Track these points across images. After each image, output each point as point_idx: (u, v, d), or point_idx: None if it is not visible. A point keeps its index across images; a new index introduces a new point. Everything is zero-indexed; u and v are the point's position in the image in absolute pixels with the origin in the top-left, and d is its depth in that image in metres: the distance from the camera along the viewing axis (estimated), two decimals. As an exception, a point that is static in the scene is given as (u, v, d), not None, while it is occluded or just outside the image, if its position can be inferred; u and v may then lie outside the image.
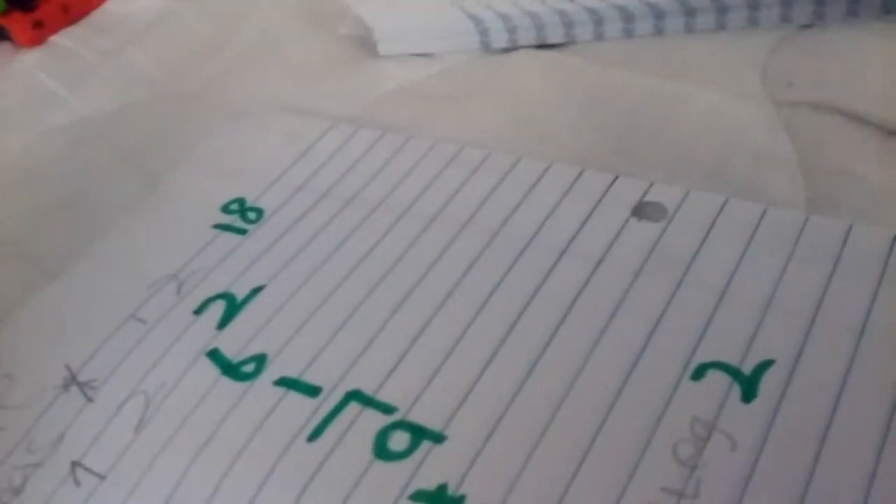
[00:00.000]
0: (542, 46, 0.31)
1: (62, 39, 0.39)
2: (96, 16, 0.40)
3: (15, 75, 0.37)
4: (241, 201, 0.27)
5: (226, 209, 0.27)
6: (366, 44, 0.33)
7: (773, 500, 0.17)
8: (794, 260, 0.21)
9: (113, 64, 0.36)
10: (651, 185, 0.24)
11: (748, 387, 0.19)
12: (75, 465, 0.21)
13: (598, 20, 0.30)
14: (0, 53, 0.39)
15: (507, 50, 0.32)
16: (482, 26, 0.32)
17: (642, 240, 0.23)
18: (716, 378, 0.19)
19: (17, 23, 0.39)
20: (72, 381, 0.23)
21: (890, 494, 0.17)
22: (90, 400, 0.22)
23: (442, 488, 0.18)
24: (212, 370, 0.22)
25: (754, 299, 0.21)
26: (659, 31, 0.30)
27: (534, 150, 0.27)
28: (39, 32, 0.39)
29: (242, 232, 0.26)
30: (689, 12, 0.30)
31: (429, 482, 0.18)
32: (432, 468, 0.19)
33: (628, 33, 0.31)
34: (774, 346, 0.20)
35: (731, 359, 0.19)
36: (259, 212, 0.27)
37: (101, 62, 0.36)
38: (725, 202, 0.23)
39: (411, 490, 0.18)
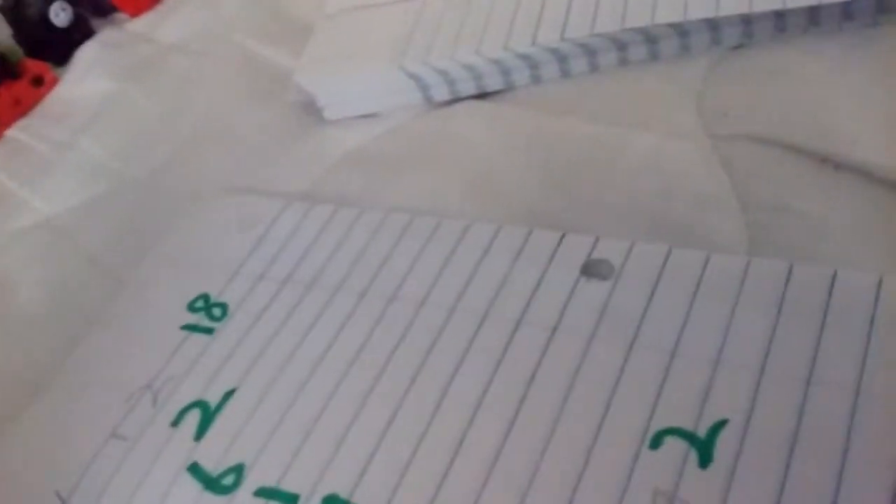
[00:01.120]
0: (483, 95, 0.32)
1: (16, 133, 0.39)
2: (46, 105, 0.40)
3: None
4: (205, 298, 0.28)
5: (191, 307, 0.28)
6: (312, 109, 0.33)
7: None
8: (739, 307, 0.22)
9: (68, 157, 0.36)
10: (597, 240, 0.25)
11: (704, 451, 0.20)
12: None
13: (533, 65, 0.31)
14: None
15: (449, 102, 0.32)
16: (423, 82, 0.32)
17: (592, 301, 0.23)
18: (673, 444, 0.20)
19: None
20: (62, 508, 0.23)
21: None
22: (83, 525, 0.23)
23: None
24: (194, 486, 0.23)
25: (704, 355, 0.21)
26: (594, 69, 0.31)
27: (483, 208, 0.28)
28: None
29: (209, 331, 0.27)
30: (621, 47, 0.30)
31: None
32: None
33: (564, 73, 0.31)
34: (726, 404, 0.20)
35: (685, 423, 0.20)
36: (223, 307, 0.27)
37: (56, 155, 0.37)
38: (669, 253, 0.24)
39: None
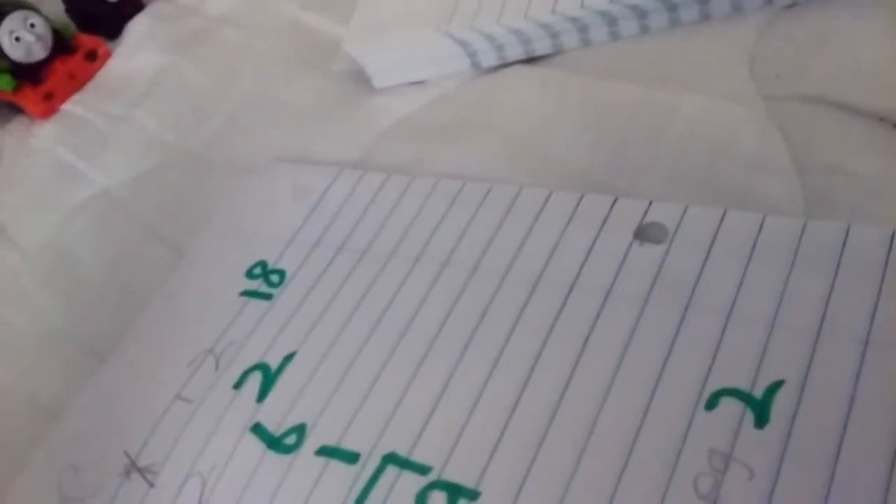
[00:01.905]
0: (531, 60, 0.32)
1: (72, 107, 0.40)
2: (100, 79, 0.41)
3: (35, 151, 0.39)
4: (263, 264, 0.28)
5: (250, 274, 0.28)
6: (361, 78, 0.34)
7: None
8: (795, 270, 0.22)
9: (123, 129, 0.37)
10: (650, 204, 0.25)
11: (761, 412, 0.20)
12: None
13: (582, 27, 0.31)
14: (17, 129, 0.41)
15: (497, 68, 0.32)
16: (470, 48, 0.32)
17: (646, 265, 0.23)
18: (729, 405, 0.20)
19: (29, 97, 0.41)
20: (132, 467, 0.24)
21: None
22: (151, 485, 0.24)
23: (481, 544, 0.20)
24: (258, 446, 0.23)
25: (760, 318, 0.21)
26: (644, 30, 0.30)
27: (533, 174, 0.28)
28: (50, 104, 0.41)
29: (268, 297, 0.27)
30: (671, 7, 0.29)
31: (470, 539, 0.20)
32: (472, 524, 0.20)
33: (614, 36, 0.31)
34: (783, 365, 0.20)
35: (742, 384, 0.20)
36: (281, 273, 0.28)
37: (111, 128, 0.38)
38: (724, 215, 0.23)
39: (455, 548, 0.20)
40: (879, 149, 0.23)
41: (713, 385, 0.20)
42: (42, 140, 0.39)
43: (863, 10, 0.27)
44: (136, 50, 0.41)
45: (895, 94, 0.24)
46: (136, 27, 0.43)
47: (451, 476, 0.21)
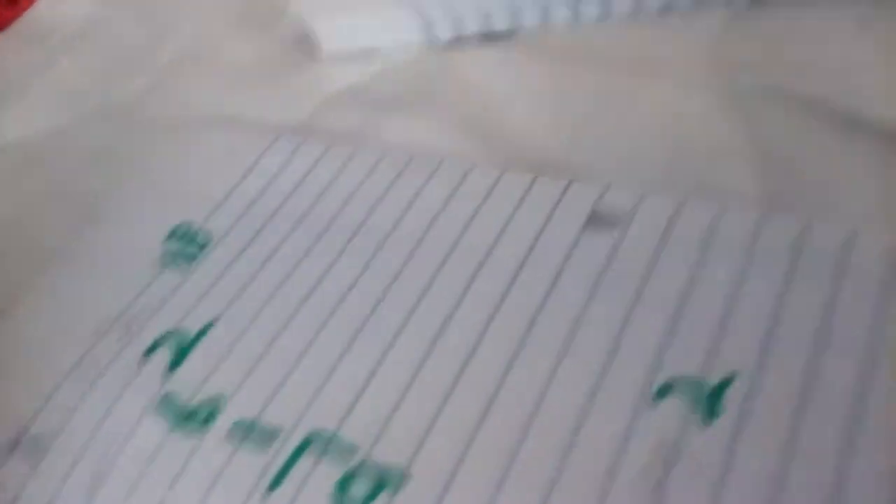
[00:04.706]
0: (488, 37, 0.30)
1: (-12, 52, 0.37)
2: (22, 23, 0.38)
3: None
4: (186, 227, 0.26)
5: (171, 236, 0.26)
6: (307, 43, 0.32)
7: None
8: (751, 263, 0.21)
9: (44, 78, 0.34)
10: (605, 189, 0.23)
11: (711, 404, 0.19)
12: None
13: (543, 6, 0.29)
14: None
15: (454, 43, 0.31)
16: (426, 17, 0.30)
17: (598, 251, 0.22)
18: (679, 397, 0.19)
19: (-62, 36, 0.37)
20: (16, 444, 0.22)
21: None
22: (39, 460, 0.21)
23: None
24: (162, 422, 0.21)
25: (713, 310, 0.20)
26: (607, 15, 0.29)
27: (485, 154, 0.26)
28: (-36, 46, 0.37)
29: (190, 260, 0.25)
30: (637, -6, 0.29)
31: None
32: (396, 513, 0.18)
33: (576, 17, 0.30)
34: (735, 359, 0.19)
35: (693, 375, 0.19)
36: (206, 237, 0.26)
37: (30, 77, 0.35)
38: (680, 205, 0.23)
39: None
40: (840, 145, 0.23)
41: (663, 375, 0.19)
42: (-49, 83, 0.36)
43: (830, 8, 0.26)
44: (65, -3, 0.38)
45: (857, 91, 0.24)
46: (68, -28, 0.40)
47: (380, 457, 0.19)
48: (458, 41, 0.30)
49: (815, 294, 0.20)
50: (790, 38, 0.26)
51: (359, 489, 0.19)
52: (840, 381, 0.19)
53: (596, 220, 0.23)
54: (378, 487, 0.19)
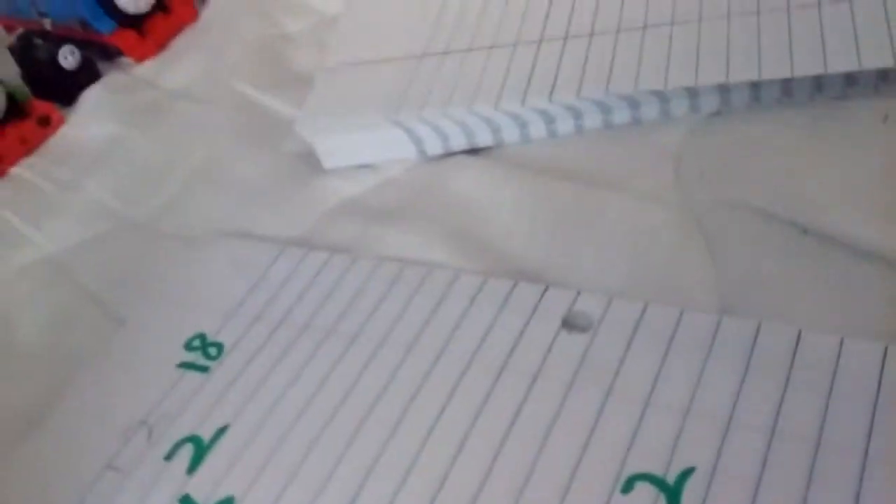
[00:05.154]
0: (474, 150, 0.33)
1: (21, 171, 0.40)
2: (51, 144, 0.41)
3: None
4: (202, 337, 0.29)
5: (188, 346, 0.29)
6: (310, 159, 0.35)
7: None
8: (710, 362, 0.23)
9: (71, 196, 0.38)
10: (577, 294, 0.26)
11: (672, 497, 0.21)
12: None
13: (522, 124, 0.33)
14: (-37, 190, 0.41)
15: (442, 156, 0.34)
16: (417, 137, 0.33)
17: (572, 352, 0.25)
18: (643, 490, 0.21)
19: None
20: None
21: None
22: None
23: None
24: (185, 519, 0.23)
25: (675, 406, 0.22)
26: (579, 130, 0.32)
27: (470, 260, 0.29)
28: (0, 167, 0.41)
29: (205, 369, 0.28)
30: (606, 110, 0.32)
31: None
32: None
33: (552, 133, 0.33)
34: (694, 452, 0.21)
35: (656, 469, 0.21)
36: (220, 347, 0.28)
37: (60, 194, 0.38)
38: (644, 308, 0.25)
39: None
40: (792, 254, 0.25)
41: (629, 470, 0.21)
42: (-13, 201, 0.39)
43: (781, 120, 0.29)
44: (90, 118, 0.42)
45: (807, 202, 0.27)
46: (92, 96, 0.43)
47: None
48: (447, 156, 0.33)
49: (766, 388, 0.22)
50: (745, 150, 0.29)
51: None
52: (790, 469, 0.21)
53: (570, 322, 0.25)
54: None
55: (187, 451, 0.25)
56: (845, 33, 0.29)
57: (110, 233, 0.35)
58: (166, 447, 0.26)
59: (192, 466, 0.25)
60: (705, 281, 0.26)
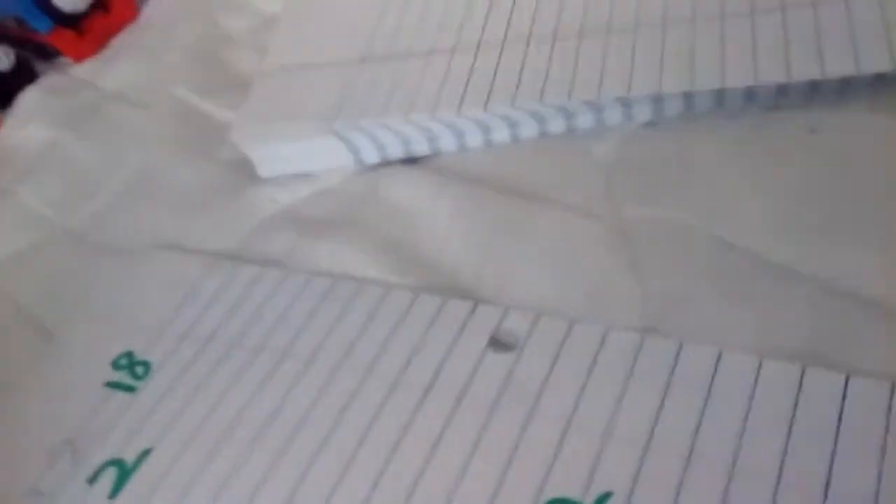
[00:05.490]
0: (411, 160, 0.33)
1: (-47, 178, 0.39)
2: (-14, 149, 0.40)
3: None
4: (129, 355, 0.28)
5: (116, 365, 0.28)
6: (246, 166, 0.34)
7: None
8: (632, 382, 0.23)
9: (4, 204, 0.37)
10: (506, 311, 0.26)
11: (589, 523, 0.21)
12: None
13: (458, 133, 0.32)
14: None
15: (379, 165, 0.33)
16: (353, 146, 0.33)
17: (497, 371, 0.25)
18: (561, 515, 0.21)
19: None
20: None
21: None
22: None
23: None
24: (104, 546, 0.23)
25: (595, 428, 0.23)
26: (515, 139, 0.32)
27: (403, 274, 0.29)
28: (-71, 172, 0.40)
29: (131, 389, 0.27)
30: (541, 120, 0.32)
31: None
32: None
33: (488, 142, 0.32)
34: (612, 476, 0.22)
35: (574, 494, 0.21)
36: (147, 365, 0.28)
37: (-8, 202, 0.37)
38: (570, 327, 0.25)
39: None
40: (718, 274, 0.25)
41: (548, 494, 0.22)
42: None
43: (711, 131, 0.29)
44: (25, 122, 0.41)
45: (731, 218, 0.27)
46: (27, 98, 0.42)
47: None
48: (384, 164, 0.33)
49: (685, 410, 0.22)
50: (674, 162, 0.29)
51: None
52: (705, 493, 0.21)
53: (496, 342, 0.25)
54: None
55: (111, 474, 0.25)
56: (810, 41, 0.28)
57: (41, 243, 0.35)
58: (90, 469, 0.25)
59: (115, 490, 0.25)
60: (630, 298, 0.26)
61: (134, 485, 0.25)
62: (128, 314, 0.30)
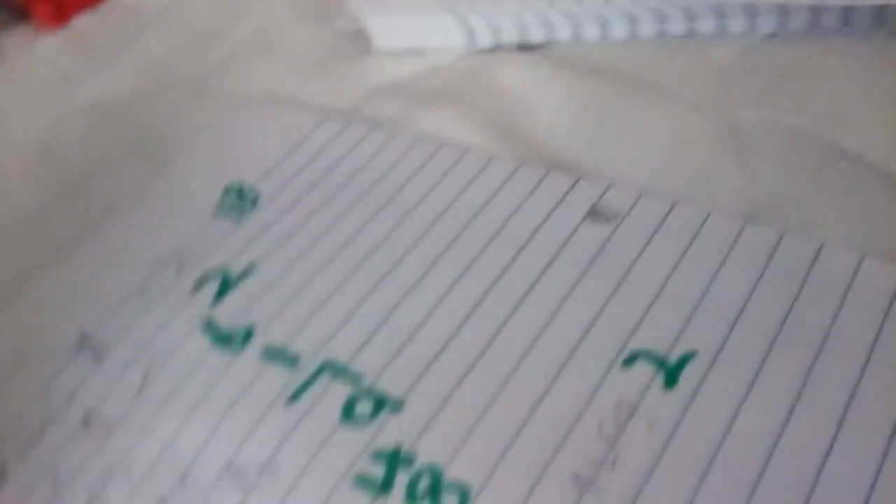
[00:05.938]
0: (524, 47, 0.33)
1: (81, 24, 0.41)
2: (113, 2, 0.42)
3: (37, 59, 0.40)
4: (239, 186, 0.30)
5: (226, 192, 0.30)
6: (361, 38, 0.35)
7: (679, 475, 0.20)
8: (727, 264, 0.24)
9: (129, 49, 0.39)
10: (607, 188, 0.26)
11: (671, 375, 0.21)
12: (87, 416, 0.24)
13: (576, 24, 0.33)
14: (21, 36, 0.42)
15: (492, 49, 0.34)
16: (469, 26, 0.34)
17: (593, 239, 0.25)
18: (644, 365, 0.22)
19: (39, 4, 0.42)
20: (84, 343, 0.26)
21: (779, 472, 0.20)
22: (100, 359, 0.25)
23: (397, 449, 0.21)
24: (205, 342, 0.25)
25: (687, 297, 0.23)
26: (633, 36, 0.32)
27: (508, 149, 0.29)
28: (61, 15, 0.42)
29: (240, 215, 0.29)
30: (662, 18, 0.32)
31: (386, 444, 0.21)
32: (390, 432, 0.22)
33: (605, 36, 0.33)
34: (699, 339, 0.22)
35: (659, 348, 0.22)
36: (255, 197, 0.29)
37: (118, 47, 0.39)
38: (672, 207, 0.25)
39: (371, 450, 0.21)
40: (826, 177, 0.25)
41: (633, 346, 0.22)
42: (46, 48, 0.40)
43: (836, 49, 0.29)
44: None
45: (847, 128, 0.27)
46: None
47: (381, 386, 0.23)
48: (497, 49, 0.34)
49: (779, 294, 0.23)
50: (793, 73, 0.29)
51: (363, 408, 0.22)
52: (789, 368, 0.21)
53: (595, 213, 0.26)
54: (378, 408, 0.22)
55: (214, 284, 0.26)
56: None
57: (162, 85, 0.36)
58: (194, 278, 0.27)
59: (219, 296, 0.26)
60: (735, 189, 0.26)
61: (238, 292, 0.26)
62: (240, 152, 0.31)
